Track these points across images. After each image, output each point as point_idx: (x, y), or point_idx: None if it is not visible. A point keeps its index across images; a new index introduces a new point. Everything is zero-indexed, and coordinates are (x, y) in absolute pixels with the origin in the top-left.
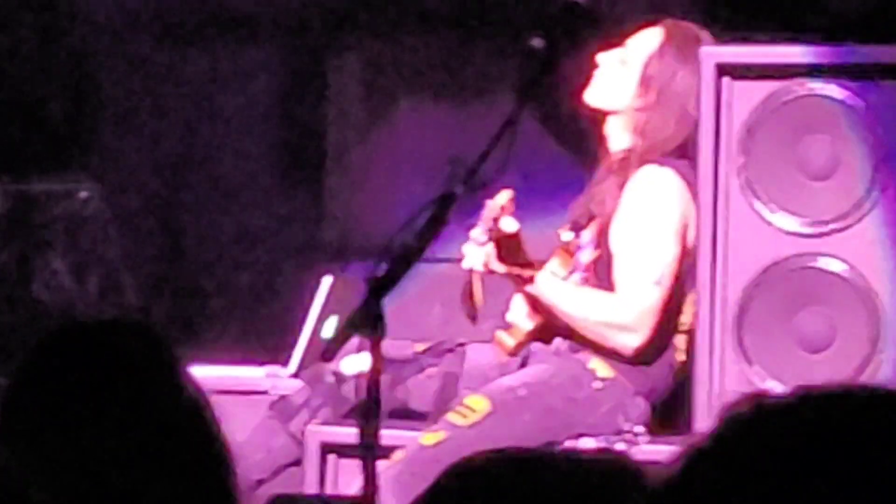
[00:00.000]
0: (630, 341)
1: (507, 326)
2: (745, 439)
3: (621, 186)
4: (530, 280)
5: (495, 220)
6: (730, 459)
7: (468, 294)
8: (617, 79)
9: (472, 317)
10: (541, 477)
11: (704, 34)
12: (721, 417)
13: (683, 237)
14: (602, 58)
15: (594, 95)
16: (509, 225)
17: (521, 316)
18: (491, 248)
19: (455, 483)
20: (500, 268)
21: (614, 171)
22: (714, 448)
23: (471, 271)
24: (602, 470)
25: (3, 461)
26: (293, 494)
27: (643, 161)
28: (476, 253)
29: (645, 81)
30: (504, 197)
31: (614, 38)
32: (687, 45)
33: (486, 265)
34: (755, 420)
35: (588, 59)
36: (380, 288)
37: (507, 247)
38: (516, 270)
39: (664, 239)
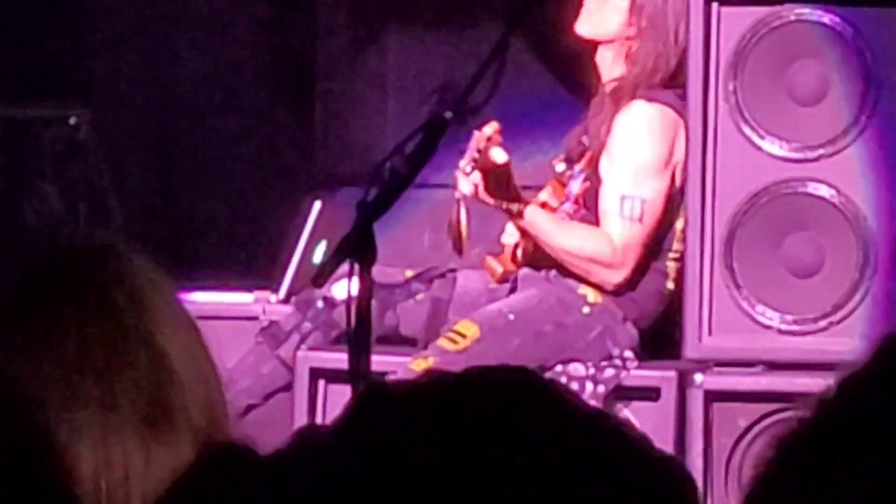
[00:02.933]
0: (611, 277)
1: (497, 252)
2: None
3: (612, 118)
4: (519, 215)
5: (479, 150)
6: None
7: (454, 224)
8: (606, 7)
9: (459, 248)
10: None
11: None
12: (881, 342)
13: (672, 174)
14: None
15: (585, 26)
16: (499, 156)
17: (512, 240)
18: (479, 178)
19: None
20: (489, 199)
21: (607, 103)
22: (871, 372)
23: (457, 202)
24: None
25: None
26: (319, 425)
27: (635, 91)
28: (464, 183)
29: (635, 8)
30: (490, 128)
31: None
32: None
33: (474, 195)
34: None
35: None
36: (370, 213)
37: (496, 178)
38: (504, 205)
39: (649, 175)
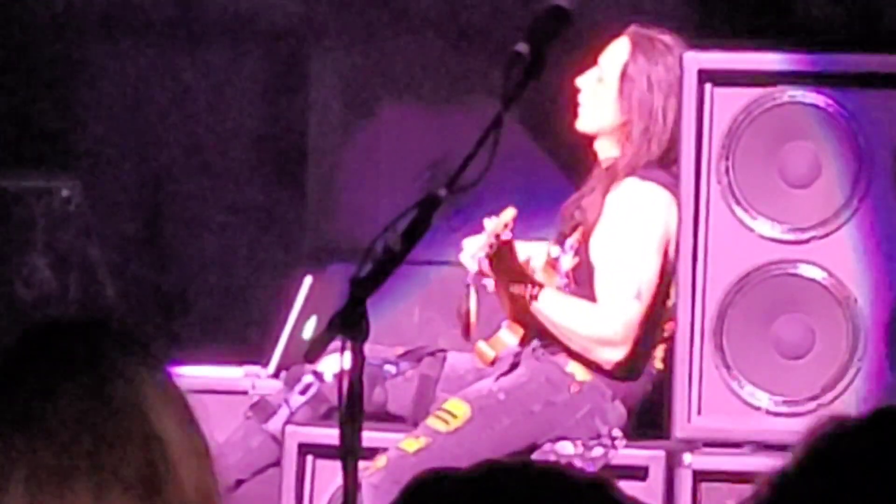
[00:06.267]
0: (611, 355)
1: (487, 337)
2: (826, 464)
3: (605, 195)
4: (533, 297)
5: (497, 236)
6: (813, 482)
7: (464, 309)
8: (598, 99)
9: (466, 334)
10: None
11: (669, 37)
12: (804, 442)
13: (665, 251)
14: (581, 81)
15: (583, 122)
16: (506, 233)
17: (508, 329)
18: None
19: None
20: (492, 275)
21: (600, 181)
22: (798, 472)
23: (467, 287)
24: (581, 487)
25: None
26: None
27: (629, 170)
28: (468, 259)
29: (623, 98)
30: (509, 214)
31: (588, 51)
32: (655, 51)
33: (479, 272)
34: (834, 444)
35: (569, 85)
36: (363, 289)
37: (501, 253)
38: (516, 290)
39: (644, 253)
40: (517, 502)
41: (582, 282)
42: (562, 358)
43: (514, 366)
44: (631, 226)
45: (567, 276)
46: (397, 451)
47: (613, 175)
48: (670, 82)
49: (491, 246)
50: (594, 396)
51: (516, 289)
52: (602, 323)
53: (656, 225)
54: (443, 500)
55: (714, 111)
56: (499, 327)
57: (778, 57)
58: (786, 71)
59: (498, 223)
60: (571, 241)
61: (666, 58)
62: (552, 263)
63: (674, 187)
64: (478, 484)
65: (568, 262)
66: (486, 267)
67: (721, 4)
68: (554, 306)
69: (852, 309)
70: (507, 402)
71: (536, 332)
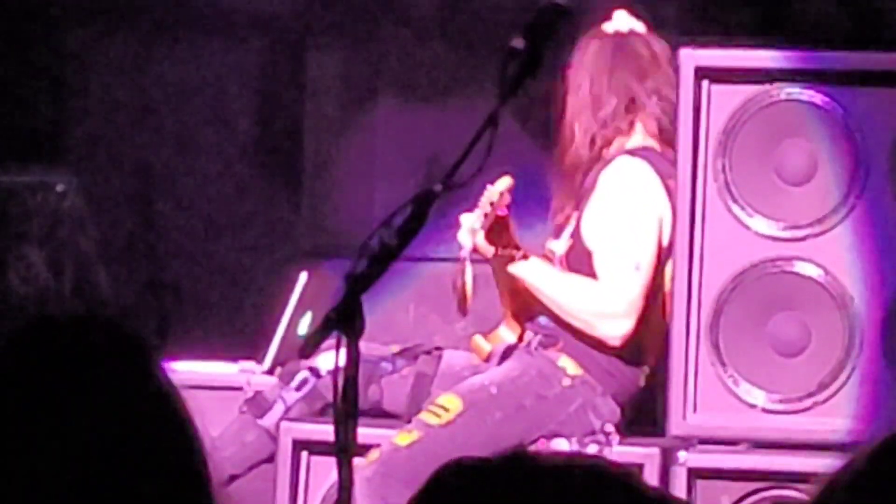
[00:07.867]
0: (615, 330)
1: (485, 331)
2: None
3: (588, 174)
4: (524, 257)
5: (493, 204)
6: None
7: (459, 285)
8: None
9: (463, 309)
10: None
11: (621, 21)
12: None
13: (658, 229)
14: None
15: None
16: (501, 205)
17: (507, 326)
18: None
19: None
20: (488, 249)
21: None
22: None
23: (462, 262)
24: (591, 474)
25: None
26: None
27: (587, 145)
28: (464, 235)
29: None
30: (504, 183)
31: None
32: (589, 36)
33: (474, 246)
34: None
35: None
36: (359, 285)
37: (496, 228)
38: (508, 252)
39: (639, 226)
40: (545, 493)
41: (576, 263)
42: (553, 352)
43: (503, 358)
44: (624, 200)
45: (561, 261)
46: (390, 444)
47: (563, 145)
48: (595, 62)
49: (486, 215)
50: (585, 391)
51: (507, 252)
52: (604, 296)
53: (648, 199)
54: (467, 490)
55: (711, 108)
56: (498, 324)
57: (775, 54)
58: (783, 68)
59: (493, 191)
60: (566, 228)
61: (595, 39)
62: (548, 256)
63: (662, 166)
64: (504, 474)
65: (562, 247)
66: (481, 241)
67: (718, 2)
68: (554, 283)
69: (848, 306)
70: (499, 395)
71: (537, 316)
